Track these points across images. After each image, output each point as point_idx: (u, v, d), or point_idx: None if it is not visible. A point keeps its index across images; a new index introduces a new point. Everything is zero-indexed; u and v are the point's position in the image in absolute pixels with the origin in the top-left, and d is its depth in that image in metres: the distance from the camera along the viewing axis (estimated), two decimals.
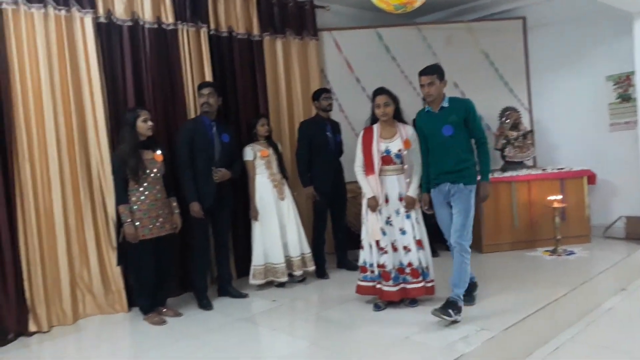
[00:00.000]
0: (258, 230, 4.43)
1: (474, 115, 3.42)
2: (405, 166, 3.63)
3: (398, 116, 3.73)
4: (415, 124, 3.70)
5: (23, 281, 3.67)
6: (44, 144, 3.78)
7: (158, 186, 3.78)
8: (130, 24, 4.23)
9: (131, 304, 4.06)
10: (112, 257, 4.01)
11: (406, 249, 3.65)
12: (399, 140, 3.62)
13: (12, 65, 3.64)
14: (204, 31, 4.64)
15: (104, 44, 4.11)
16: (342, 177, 4.83)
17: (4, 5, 3.62)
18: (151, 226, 3.70)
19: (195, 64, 4.59)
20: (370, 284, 3.74)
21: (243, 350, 3.24)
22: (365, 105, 5.53)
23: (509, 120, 5.60)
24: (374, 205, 3.65)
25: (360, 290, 3.80)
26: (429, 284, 3.69)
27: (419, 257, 3.65)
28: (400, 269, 3.65)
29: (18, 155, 3.65)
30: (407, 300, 3.72)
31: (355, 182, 3.87)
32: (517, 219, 5.21)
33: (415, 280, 3.64)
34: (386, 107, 3.63)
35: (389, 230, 3.66)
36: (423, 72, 3.43)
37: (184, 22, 4.51)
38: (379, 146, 3.64)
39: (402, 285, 3.65)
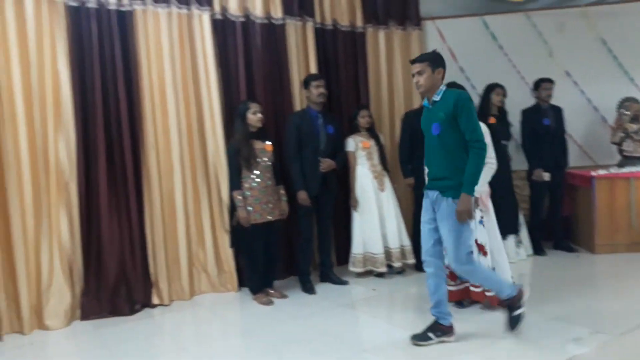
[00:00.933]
0: (358, 220, 4.52)
1: (463, 111, 2.82)
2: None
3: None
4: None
5: (148, 258, 4.05)
6: (167, 133, 4.11)
7: (268, 174, 3.99)
8: (242, 19, 4.45)
9: (241, 284, 4.33)
10: (225, 239, 4.29)
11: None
12: None
13: (141, 61, 3.99)
14: (310, 25, 4.78)
15: (219, 40, 4.37)
16: None
17: (134, 6, 3.97)
18: (262, 211, 3.92)
19: (301, 57, 4.74)
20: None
21: (345, 335, 3.35)
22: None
23: (628, 112, 5.19)
24: None
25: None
26: (490, 293, 3.46)
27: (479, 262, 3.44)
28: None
29: (146, 144, 4.01)
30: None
31: None
32: (635, 219, 4.84)
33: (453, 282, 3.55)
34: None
35: None
36: (413, 60, 3.01)
37: (292, 16, 4.67)
38: None
39: (466, 284, 3.57)
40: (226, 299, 4.23)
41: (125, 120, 3.94)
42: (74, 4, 3.76)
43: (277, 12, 4.60)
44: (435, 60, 2.95)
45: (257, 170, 3.93)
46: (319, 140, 4.23)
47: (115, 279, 3.88)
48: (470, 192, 2.84)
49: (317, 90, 4.22)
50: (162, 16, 4.08)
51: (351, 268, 4.53)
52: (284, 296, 4.10)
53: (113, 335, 3.55)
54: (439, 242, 3.03)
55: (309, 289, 4.22)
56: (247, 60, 4.47)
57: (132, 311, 3.89)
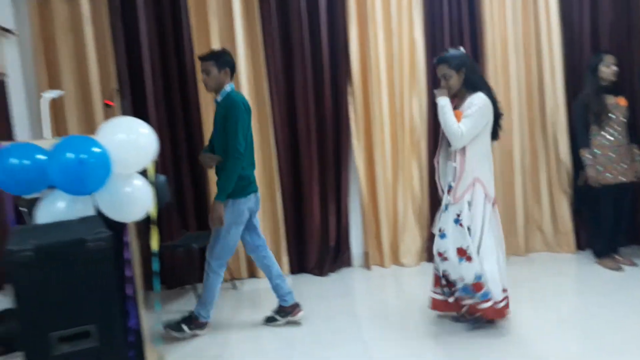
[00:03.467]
0: None
1: (228, 119, 2.84)
2: (452, 148, 2.84)
3: (469, 85, 2.84)
4: None
5: None
6: (507, 91, 4.18)
7: (622, 131, 3.72)
8: None
9: (579, 246, 4.23)
10: (562, 199, 4.22)
11: (441, 255, 2.91)
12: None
13: (485, 22, 4.10)
14: None
15: None
16: None
17: None
18: (614, 171, 3.69)
19: None
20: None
21: None
22: None
23: None
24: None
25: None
26: (484, 305, 2.83)
27: (451, 269, 2.88)
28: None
29: None
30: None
31: None
32: None
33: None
34: (448, 81, 2.85)
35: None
36: (201, 57, 3.00)
37: None
38: None
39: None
40: (562, 259, 4.17)
41: None
42: None
43: None
44: (221, 59, 2.94)
45: (608, 127, 3.71)
46: None
47: None
48: (221, 198, 2.88)
49: None
50: None
51: None
52: (633, 264, 3.83)
53: None
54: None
55: None
56: (593, 11, 4.17)
57: None
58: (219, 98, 2.95)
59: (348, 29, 4.05)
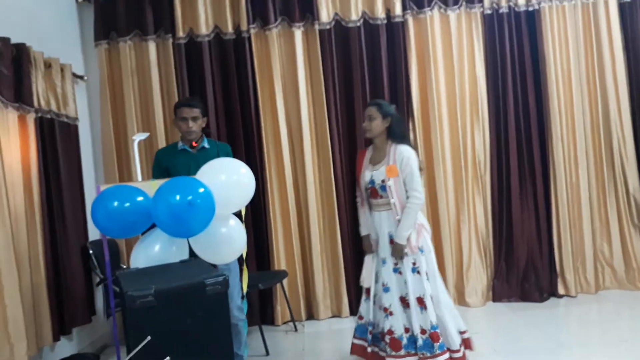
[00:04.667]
0: None
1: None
2: (392, 200, 2.85)
3: (394, 135, 2.92)
4: (157, 160, 3.05)
5: (553, 248, 4.14)
6: (572, 124, 4.13)
7: None
8: None
9: None
10: (633, 234, 4.09)
11: (386, 311, 2.88)
12: (385, 168, 2.89)
13: (548, 57, 4.09)
14: None
15: (627, 25, 4.16)
16: None
17: (542, 4, 4.10)
18: None
19: None
20: (360, 342, 3.04)
21: None
22: None
23: None
24: (367, 246, 3.06)
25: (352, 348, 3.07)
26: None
27: (413, 320, 2.80)
28: (381, 334, 2.90)
29: (552, 136, 4.10)
30: None
31: None
32: None
33: (395, 353, 2.80)
34: (370, 122, 2.92)
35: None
36: (185, 104, 2.94)
37: None
38: (364, 175, 2.99)
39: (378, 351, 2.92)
40: (635, 297, 3.98)
41: (533, 114, 4.13)
42: (489, 11, 4.12)
43: None
44: (204, 110, 3.07)
45: None
46: None
47: (524, 265, 4.11)
48: None
49: None
50: (567, 9, 4.11)
51: None
52: None
53: (523, 318, 3.74)
54: None
55: None
56: None
57: (541, 299, 4.03)
58: (207, 144, 3.03)
59: (409, 68, 4.08)
